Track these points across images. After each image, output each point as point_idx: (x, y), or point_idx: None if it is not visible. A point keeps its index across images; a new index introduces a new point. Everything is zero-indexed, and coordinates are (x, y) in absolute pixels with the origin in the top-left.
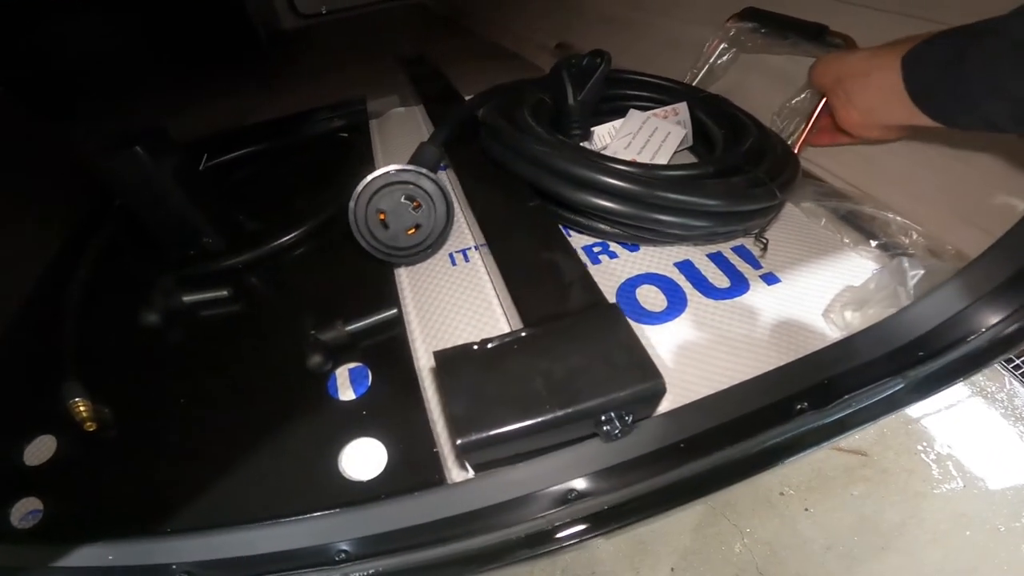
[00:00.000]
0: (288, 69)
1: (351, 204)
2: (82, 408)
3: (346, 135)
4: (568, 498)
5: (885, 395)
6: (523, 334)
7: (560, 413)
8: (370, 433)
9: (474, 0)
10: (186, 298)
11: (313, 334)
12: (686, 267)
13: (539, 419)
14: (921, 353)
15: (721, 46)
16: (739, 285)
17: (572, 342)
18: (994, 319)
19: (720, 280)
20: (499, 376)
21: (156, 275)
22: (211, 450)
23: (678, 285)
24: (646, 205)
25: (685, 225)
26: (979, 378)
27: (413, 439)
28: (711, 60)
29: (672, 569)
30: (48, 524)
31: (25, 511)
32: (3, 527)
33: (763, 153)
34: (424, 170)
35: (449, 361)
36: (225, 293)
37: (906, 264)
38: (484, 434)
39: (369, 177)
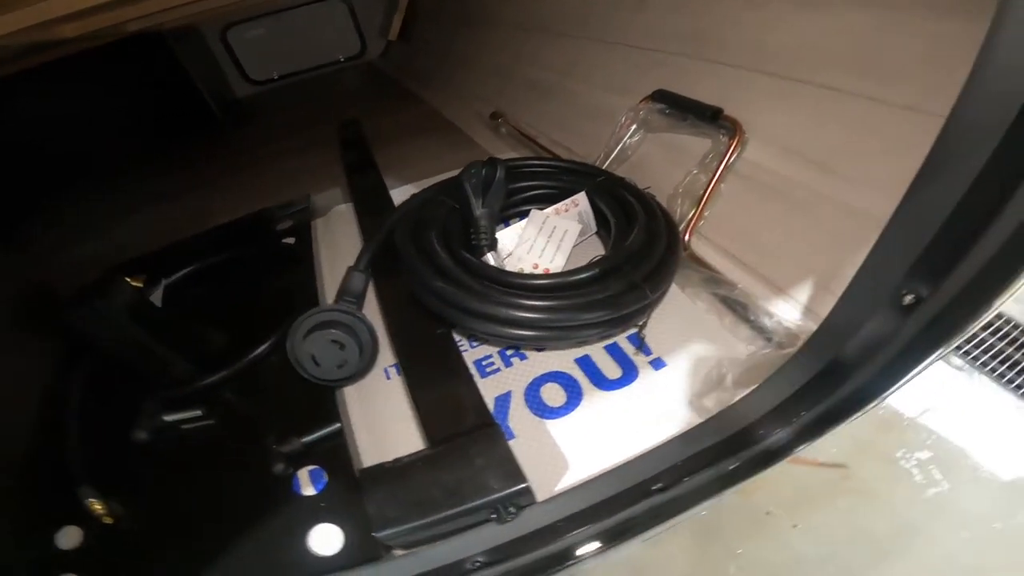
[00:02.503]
0: (239, 146)
1: (288, 343)
2: (98, 507)
3: (292, 240)
4: (472, 567)
5: (722, 474)
6: (426, 453)
7: (449, 512)
8: (330, 520)
9: (419, 63)
10: (167, 417)
11: (275, 448)
12: (585, 362)
13: (434, 516)
14: (747, 438)
15: (632, 126)
16: (629, 373)
17: (462, 458)
18: (796, 413)
19: (613, 371)
20: (406, 485)
21: (140, 395)
22: (208, 539)
23: (576, 381)
24: (540, 329)
25: (574, 338)
26: (947, 378)
27: (362, 526)
28: (623, 139)
29: None
30: None
31: None
32: None
33: (651, 243)
34: (349, 308)
35: (369, 475)
36: (199, 412)
37: (724, 369)
38: (393, 529)
39: (300, 319)
